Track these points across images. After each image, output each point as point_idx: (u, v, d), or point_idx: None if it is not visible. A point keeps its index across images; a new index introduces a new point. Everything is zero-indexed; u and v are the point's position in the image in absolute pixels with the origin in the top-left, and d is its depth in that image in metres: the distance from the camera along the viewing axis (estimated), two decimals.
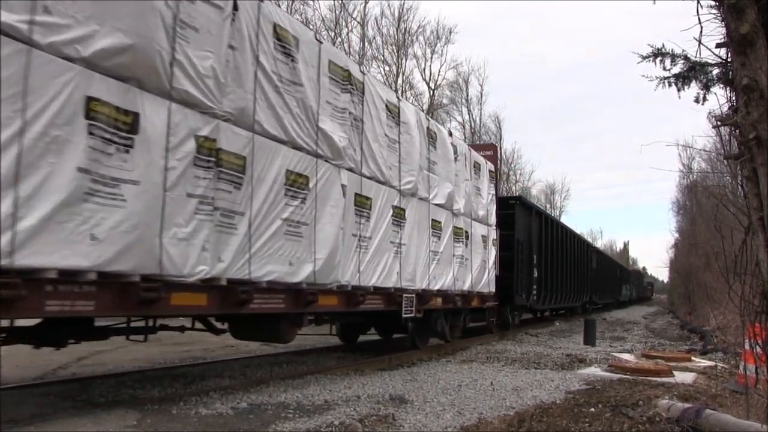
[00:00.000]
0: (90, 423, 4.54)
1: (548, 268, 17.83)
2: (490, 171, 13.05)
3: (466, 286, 11.17)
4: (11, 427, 4.30)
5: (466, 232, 11.25)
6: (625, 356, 10.58)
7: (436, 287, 9.78)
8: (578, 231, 30.72)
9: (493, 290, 12.71)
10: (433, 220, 9.71)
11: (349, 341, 10.80)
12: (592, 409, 5.52)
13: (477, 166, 12.07)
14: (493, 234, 13.05)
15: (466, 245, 11.24)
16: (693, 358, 10.36)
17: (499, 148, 42.07)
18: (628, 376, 7.90)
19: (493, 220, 13.07)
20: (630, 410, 5.38)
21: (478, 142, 38.68)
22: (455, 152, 10.72)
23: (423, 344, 10.30)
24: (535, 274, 16.37)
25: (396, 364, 8.79)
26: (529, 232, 16.03)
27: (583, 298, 25.11)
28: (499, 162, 36.08)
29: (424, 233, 9.41)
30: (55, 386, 6.02)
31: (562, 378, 7.86)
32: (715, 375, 8.39)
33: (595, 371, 8.54)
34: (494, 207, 13.19)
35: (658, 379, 7.63)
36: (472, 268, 11.50)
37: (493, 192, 13.20)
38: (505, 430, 4.82)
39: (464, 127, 37.57)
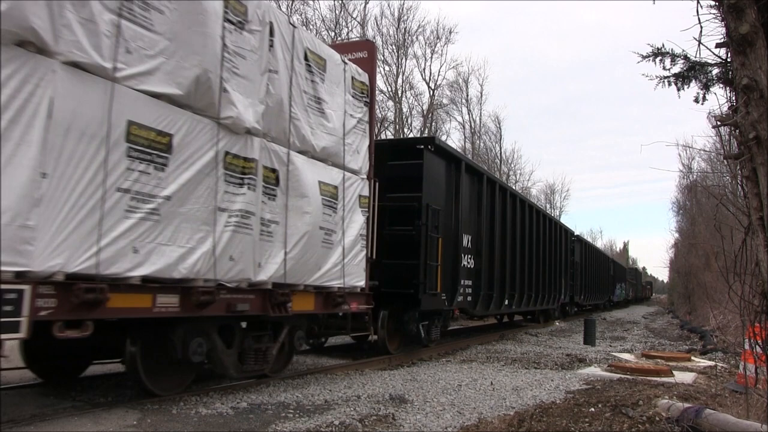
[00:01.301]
0: (90, 423, 4.55)
1: (495, 257, 12.67)
2: (356, 80, 7.74)
3: (268, 274, 6.03)
4: (11, 427, 4.30)
5: (275, 171, 6.19)
6: (625, 356, 10.59)
7: (146, 270, 4.67)
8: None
9: (361, 284, 7.63)
10: (132, 123, 4.58)
11: (51, 376, 6.16)
12: (592, 409, 5.52)
13: (317, 63, 6.95)
14: (362, 188, 7.77)
15: (272, 196, 6.15)
16: (693, 358, 10.38)
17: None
18: (627, 376, 7.90)
19: (361, 164, 7.77)
20: (630, 410, 5.39)
21: (478, 142, 38.68)
22: (233, 12, 5.63)
23: (163, 388, 5.51)
24: (469, 264, 11.24)
25: (396, 364, 8.80)
26: (455, 199, 10.65)
27: (559, 298, 19.93)
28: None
29: (79, 146, 4.26)
30: (55, 386, 6.01)
31: (562, 378, 7.86)
32: (715, 375, 8.40)
33: (595, 371, 8.54)
34: (365, 143, 7.89)
35: (658, 379, 7.64)
36: (289, 241, 6.33)
37: (362, 116, 7.80)
38: (505, 429, 4.83)
39: (464, 126, 37.57)
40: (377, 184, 8.24)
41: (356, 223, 7.64)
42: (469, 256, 11.34)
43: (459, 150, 20.88)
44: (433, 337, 10.30)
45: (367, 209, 7.92)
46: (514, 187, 24.51)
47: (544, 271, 17.23)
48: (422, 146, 9.70)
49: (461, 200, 10.84)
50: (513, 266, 14.04)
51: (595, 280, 28.98)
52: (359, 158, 7.82)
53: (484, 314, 13.54)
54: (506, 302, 13.53)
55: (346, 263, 7.34)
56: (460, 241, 10.81)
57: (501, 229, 13.25)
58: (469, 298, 11.39)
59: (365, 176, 7.96)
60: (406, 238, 9.32)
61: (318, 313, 7.15)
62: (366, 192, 7.93)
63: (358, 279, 7.62)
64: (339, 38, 26.69)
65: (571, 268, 22.43)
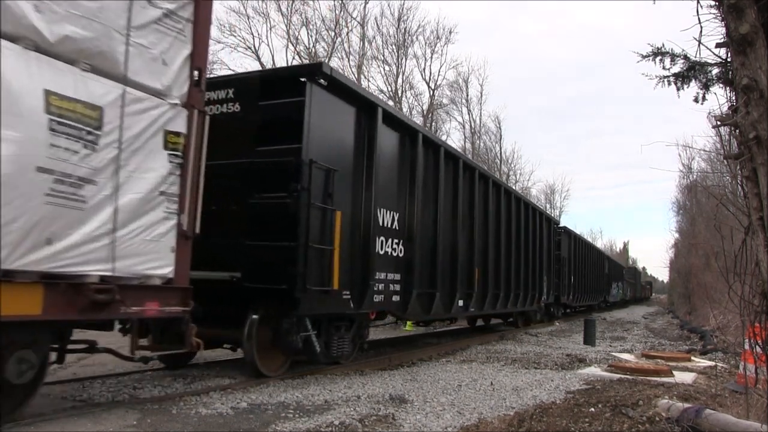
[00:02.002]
0: (90, 423, 4.54)
1: (438, 244, 9.73)
2: None
3: None
4: (11, 428, 4.30)
5: None
6: (625, 356, 10.59)
7: None
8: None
9: (164, 272, 4.91)
10: None
11: None
12: (592, 409, 5.52)
13: None
14: (171, 120, 5.01)
15: None
16: (693, 358, 10.38)
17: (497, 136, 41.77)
18: (627, 376, 7.90)
19: (171, 81, 5.02)
20: (630, 410, 5.39)
21: (478, 142, 38.70)
22: None
23: None
24: (394, 252, 8.40)
25: (396, 364, 8.79)
26: (368, 161, 7.75)
27: (540, 298, 17.22)
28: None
29: None
30: (55, 386, 6.02)
31: (562, 378, 7.86)
32: (715, 375, 8.40)
33: (595, 371, 8.54)
34: (182, 51, 5.13)
35: (658, 379, 7.64)
36: None
37: (174, 8, 5.07)
38: (505, 430, 4.83)
39: (464, 127, 37.58)
40: (207, 117, 5.30)
41: (151, 173, 4.79)
42: (395, 240, 8.38)
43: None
44: (335, 353, 7.44)
45: (180, 154, 5.02)
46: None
47: (518, 265, 14.54)
48: (305, 79, 6.63)
49: (378, 163, 7.82)
50: (469, 258, 11.17)
51: (587, 278, 26.30)
52: (168, 72, 5.00)
53: (423, 319, 10.29)
54: (459, 303, 10.66)
55: (122, 237, 4.53)
56: (375, 218, 7.78)
57: (450, 208, 10.41)
58: (396, 298, 8.42)
59: (179, 102, 5.04)
60: (279, 210, 6.53)
61: (54, 319, 4.17)
62: (180, 127, 5.04)
63: (155, 264, 4.84)
64: (339, 38, 26.63)
65: (556, 264, 19.77)
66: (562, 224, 21.17)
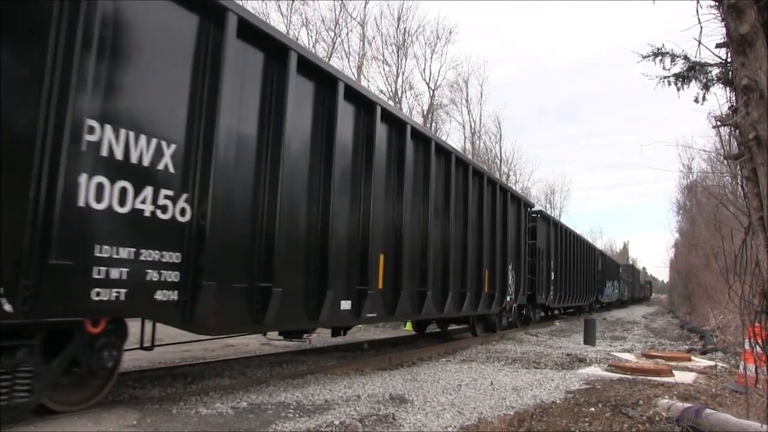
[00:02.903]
0: (90, 423, 4.54)
1: (276, 205, 5.84)
2: None
3: None
4: (11, 427, 4.30)
5: None
6: (625, 356, 10.59)
7: None
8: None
9: None
10: None
11: None
12: (592, 409, 5.52)
13: None
14: None
15: None
16: (693, 357, 10.39)
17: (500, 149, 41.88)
18: (628, 376, 7.91)
19: None
20: (630, 410, 5.39)
21: (478, 143, 38.69)
22: None
23: None
24: (163, 211, 4.73)
25: (396, 364, 8.80)
26: (69, 22, 3.99)
27: (505, 299, 13.55)
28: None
29: None
30: None
31: (562, 378, 7.86)
32: (715, 375, 8.41)
33: (595, 371, 8.54)
34: None
35: (658, 379, 7.64)
36: None
37: None
38: (505, 429, 4.83)
39: (464, 127, 37.60)
40: None
41: None
42: (165, 192, 4.80)
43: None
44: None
45: None
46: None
47: (464, 255, 10.73)
48: None
49: (96, 24, 4.21)
50: (363, 237, 7.47)
51: (573, 275, 22.56)
52: None
53: (248, 332, 7.15)
54: (342, 306, 7.05)
55: None
56: (79, 137, 4.12)
57: (320, 155, 6.71)
58: (167, 295, 4.82)
59: None
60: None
61: None
62: None
63: None
64: (339, 38, 26.61)
65: (530, 257, 16.20)
66: (516, 196, 15.02)
